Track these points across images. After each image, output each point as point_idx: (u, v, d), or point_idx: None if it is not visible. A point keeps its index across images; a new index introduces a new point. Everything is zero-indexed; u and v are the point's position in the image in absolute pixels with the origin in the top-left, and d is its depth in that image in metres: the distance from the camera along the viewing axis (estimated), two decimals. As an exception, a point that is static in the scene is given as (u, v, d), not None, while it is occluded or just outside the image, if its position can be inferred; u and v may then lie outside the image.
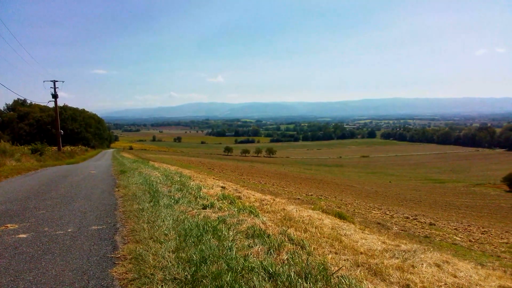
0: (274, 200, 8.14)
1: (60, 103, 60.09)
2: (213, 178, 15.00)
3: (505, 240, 13.94)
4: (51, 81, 35.23)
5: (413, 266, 3.64)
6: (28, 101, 59.15)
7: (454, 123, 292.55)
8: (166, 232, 4.47)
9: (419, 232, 11.96)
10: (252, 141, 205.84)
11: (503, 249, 11.73)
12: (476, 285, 3.42)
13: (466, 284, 3.38)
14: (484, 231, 15.79)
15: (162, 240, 4.13)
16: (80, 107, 69.62)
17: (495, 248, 11.79)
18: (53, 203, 7.02)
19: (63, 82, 36.34)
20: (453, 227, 15.40)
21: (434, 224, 15.16)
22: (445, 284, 3.27)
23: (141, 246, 4.00)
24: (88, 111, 72.66)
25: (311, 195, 20.79)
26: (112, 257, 3.85)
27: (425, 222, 15.32)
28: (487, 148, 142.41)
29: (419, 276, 3.34)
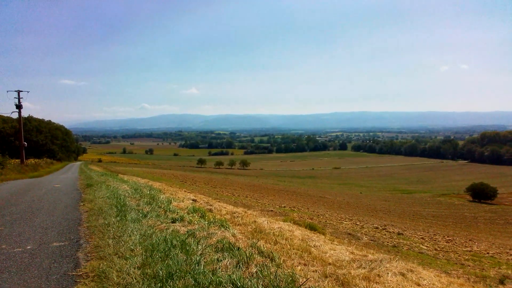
0: (246, 212, 8.09)
1: (25, 114, 57.38)
2: (185, 191, 14.76)
3: (469, 248, 14.54)
4: (15, 91, 33.67)
5: (379, 276, 3.71)
6: (-10, 112, 56.28)
7: (420, 136, 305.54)
8: (132, 247, 4.32)
9: (388, 242, 12.25)
10: (226, 153, 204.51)
11: (466, 257, 12.21)
12: (438, 292, 3.53)
13: (429, 291, 3.49)
14: (449, 239, 16.41)
15: (127, 256, 4.00)
16: (46, 118, 66.89)
17: (459, 256, 12.26)
18: (12, 219, 6.65)
19: (28, 92, 34.81)
20: (420, 236, 15.90)
21: (402, 234, 15.59)
22: (409, 292, 3.35)
23: (105, 263, 3.85)
24: (54, 123, 69.85)
25: (284, 206, 20.88)
26: (74, 275, 3.69)
27: (394, 232, 15.72)
28: (450, 159, 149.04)
29: (384, 285, 3.42)
